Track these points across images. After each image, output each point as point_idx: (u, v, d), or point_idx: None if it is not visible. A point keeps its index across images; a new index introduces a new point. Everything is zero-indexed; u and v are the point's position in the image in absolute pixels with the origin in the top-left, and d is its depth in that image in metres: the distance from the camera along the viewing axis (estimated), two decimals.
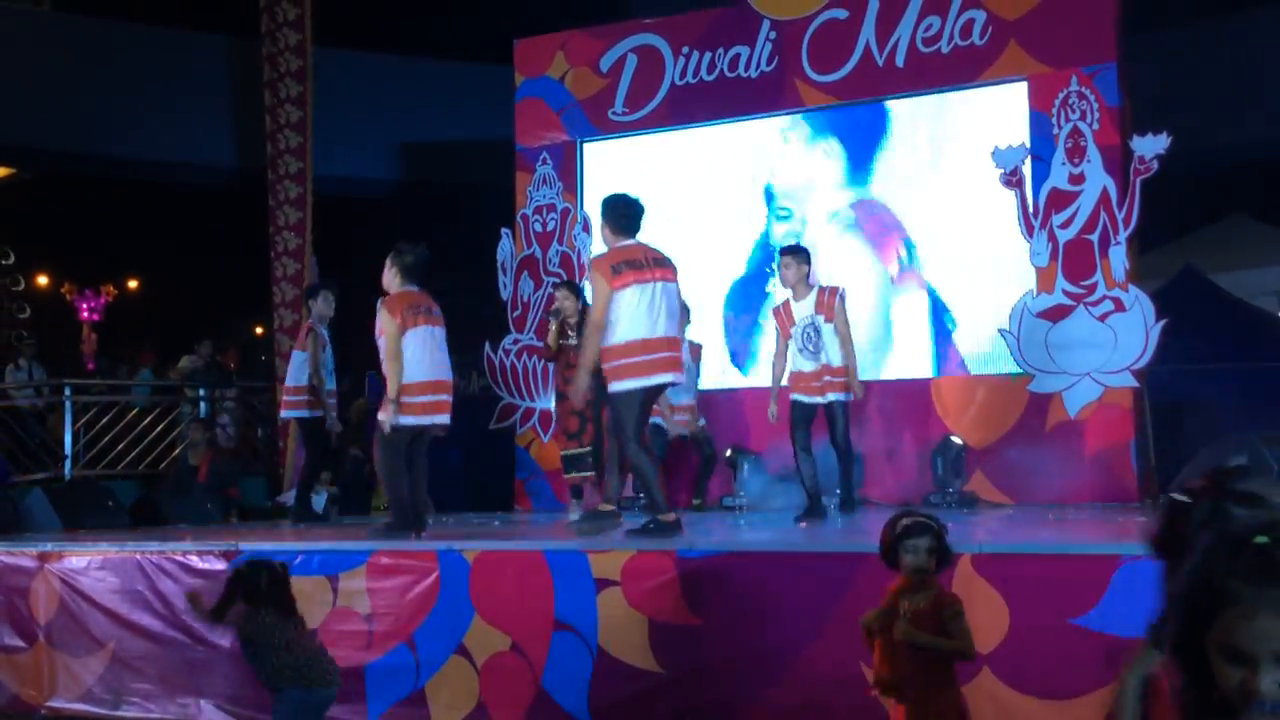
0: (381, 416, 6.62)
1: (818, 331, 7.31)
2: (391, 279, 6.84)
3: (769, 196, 9.61)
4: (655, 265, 6.17)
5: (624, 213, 6.31)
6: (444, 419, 6.87)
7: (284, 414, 8.73)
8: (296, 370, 8.35)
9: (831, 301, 7.33)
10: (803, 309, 7.40)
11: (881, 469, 8.65)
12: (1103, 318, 8.08)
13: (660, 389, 6.36)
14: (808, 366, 7.36)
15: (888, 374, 8.96)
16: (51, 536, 7.62)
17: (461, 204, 13.64)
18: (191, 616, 6.18)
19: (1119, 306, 8.05)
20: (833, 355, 7.30)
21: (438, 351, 6.77)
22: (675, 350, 6.26)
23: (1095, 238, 8.16)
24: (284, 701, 4.68)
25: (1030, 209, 8.30)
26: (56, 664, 6.62)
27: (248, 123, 12.34)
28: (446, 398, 6.85)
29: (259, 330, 12.39)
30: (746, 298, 9.57)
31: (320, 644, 4.92)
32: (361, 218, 14.86)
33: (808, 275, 7.48)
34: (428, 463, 7.02)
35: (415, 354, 6.63)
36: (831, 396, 7.31)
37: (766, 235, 9.57)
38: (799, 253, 7.56)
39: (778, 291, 8.57)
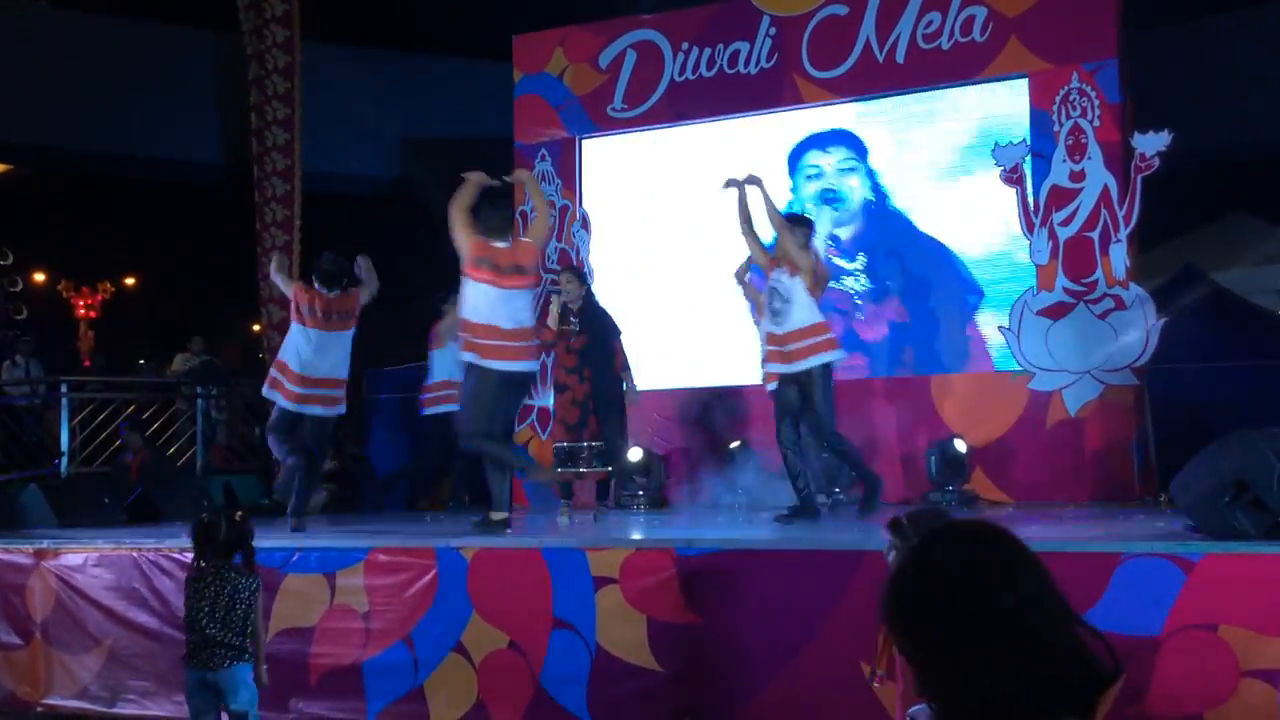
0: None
1: (780, 293, 6.84)
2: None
3: (795, 159, 9.47)
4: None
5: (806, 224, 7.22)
6: (318, 410, 7.38)
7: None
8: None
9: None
10: (777, 274, 6.92)
11: (880, 468, 8.59)
12: (1103, 315, 8.06)
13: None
14: (776, 329, 6.85)
15: (887, 372, 8.93)
16: (48, 533, 7.59)
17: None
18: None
19: (1119, 304, 8.03)
20: (800, 315, 6.78)
21: (316, 351, 7.32)
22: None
23: (1096, 235, 8.14)
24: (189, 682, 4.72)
25: (1030, 206, 8.27)
26: (53, 661, 6.60)
27: (236, 119, 12.27)
28: (320, 392, 7.38)
29: (256, 327, 12.35)
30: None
31: None
32: (357, 214, 14.79)
33: (807, 245, 6.99)
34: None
35: (294, 343, 7.33)
36: (800, 364, 6.78)
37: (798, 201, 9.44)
38: (796, 224, 7.09)
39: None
